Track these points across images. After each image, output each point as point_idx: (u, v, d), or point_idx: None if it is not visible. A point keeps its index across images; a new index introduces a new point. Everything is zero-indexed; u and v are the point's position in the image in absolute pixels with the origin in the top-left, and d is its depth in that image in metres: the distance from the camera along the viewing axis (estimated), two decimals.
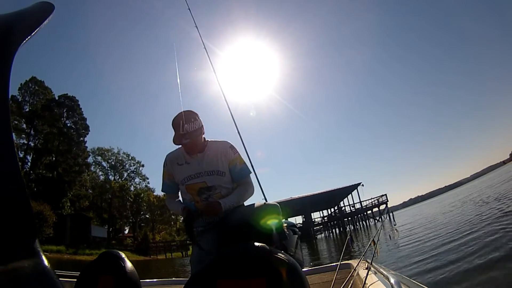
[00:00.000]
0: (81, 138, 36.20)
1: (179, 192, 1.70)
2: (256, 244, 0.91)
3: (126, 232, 43.77)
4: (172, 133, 1.55)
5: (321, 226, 37.44)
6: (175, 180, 1.64)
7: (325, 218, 37.80)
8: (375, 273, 1.34)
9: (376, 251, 1.82)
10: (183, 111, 1.54)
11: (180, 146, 1.60)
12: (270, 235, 1.39)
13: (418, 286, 1.46)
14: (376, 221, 32.65)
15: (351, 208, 33.89)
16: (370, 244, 1.99)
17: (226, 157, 1.57)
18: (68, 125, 35.25)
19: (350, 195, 33.96)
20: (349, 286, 1.32)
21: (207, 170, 1.55)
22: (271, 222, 1.40)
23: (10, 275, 0.51)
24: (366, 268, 1.46)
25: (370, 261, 1.55)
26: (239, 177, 1.61)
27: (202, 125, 1.59)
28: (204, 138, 1.61)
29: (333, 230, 34.97)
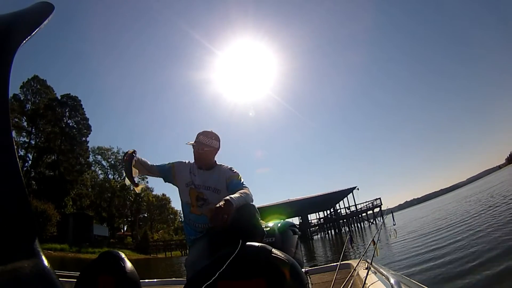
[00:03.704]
0: (83, 138, 36.26)
1: (180, 187, 1.81)
2: (256, 244, 0.91)
3: (124, 230, 43.73)
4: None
5: (317, 227, 38.08)
6: (175, 176, 1.82)
7: (321, 219, 38.44)
8: (375, 273, 1.34)
9: (376, 251, 1.82)
10: (212, 130, 1.83)
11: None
12: (259, 234, 1.47)
13: (418, 286, 1.46)
14: (370, 223, 33.41)
15: (347, 211, 34.63)
16: (370, 244, 1.98)
17: (225, 175, 1.76)
18: (70, 124, 35.30)
19: (346, 198, 34.56)
20: (349, 286, 1.32)
21: (205, 185, 1.75)
22: (256, 220, 1.48)
23: (10, 275, 0.51)
24: (366, 268, 1.46)
25: (370, 261, 1.54)
26: (235, 187, 1.66)
27: (218, 148, 1.83)
28: (215, 161, 1.84)
29: (329, 232, 35.73)
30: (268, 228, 1.82)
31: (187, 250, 1.90)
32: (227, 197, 1.39)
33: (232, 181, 1.72)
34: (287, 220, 2.07)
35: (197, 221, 1.72)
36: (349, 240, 2.39)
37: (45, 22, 0.73)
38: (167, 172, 1.84)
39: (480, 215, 9.43)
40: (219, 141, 1.83)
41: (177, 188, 1.84)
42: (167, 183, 1.87)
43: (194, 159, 1.82)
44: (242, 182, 1.72)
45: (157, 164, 1.88)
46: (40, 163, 32.09)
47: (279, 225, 1.91)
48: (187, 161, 1.87)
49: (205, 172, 1.79)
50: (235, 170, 1.80)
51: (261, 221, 1.55)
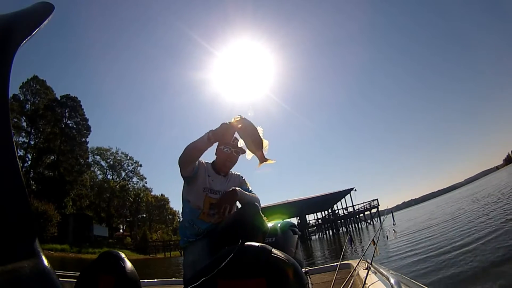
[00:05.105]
0: (83, 139, 36.20)
1: (195, 188, 1.72)
2: (256, 244, 0.91)
3: (122, 230, 43.66)
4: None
5: (315, 228, 38.32)
6: (197, 174, 1.70)
7: (319, 220, 38.63)
8: (375, 273, 1.34)
9: (376, 251, 1.82)
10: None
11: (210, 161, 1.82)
12: (261, 233, 1.46)
13: (418, 286, 1.47)
14: (367, 224, 33.71)
15: (344, 212, 34.91)
16: (369, 244, 1.98)
17: (239, 182, 1.84)
18: (70, 125, 35.22)
19: (344, 199, 34.84)
20: (349, 286, 1.32)
21: (223, 191, 1.74)
22: (257, 219, 1.47)
23: (10, 275, 0.51)
24: (366, 268, 1.46)
25: (370, 261, 1.54)
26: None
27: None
28: None
29: (327, 232, 35.95)
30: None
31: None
32: (233, 187, 1.44)
33: (242, 188, 1.77)
34: (287, 220, 2.07)
35: (202, 227, 1.69)
36: (349, 240, 2.39)
37: (45, 22, 0.73)
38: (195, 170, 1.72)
39: (478, 214, 9.86)
40: None
41: (181, 185, 1.75)
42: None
43: (222, 164, 1.77)
44: (251, 190, 1.83)
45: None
46: (39, 164, 32.02)
47: (279, 225, 1.92)
48: (203, 161, 1.76)
49: (223, 177, 1.81)
50: (244, 177, 1.91)
51: (265, 218, 1.55)
